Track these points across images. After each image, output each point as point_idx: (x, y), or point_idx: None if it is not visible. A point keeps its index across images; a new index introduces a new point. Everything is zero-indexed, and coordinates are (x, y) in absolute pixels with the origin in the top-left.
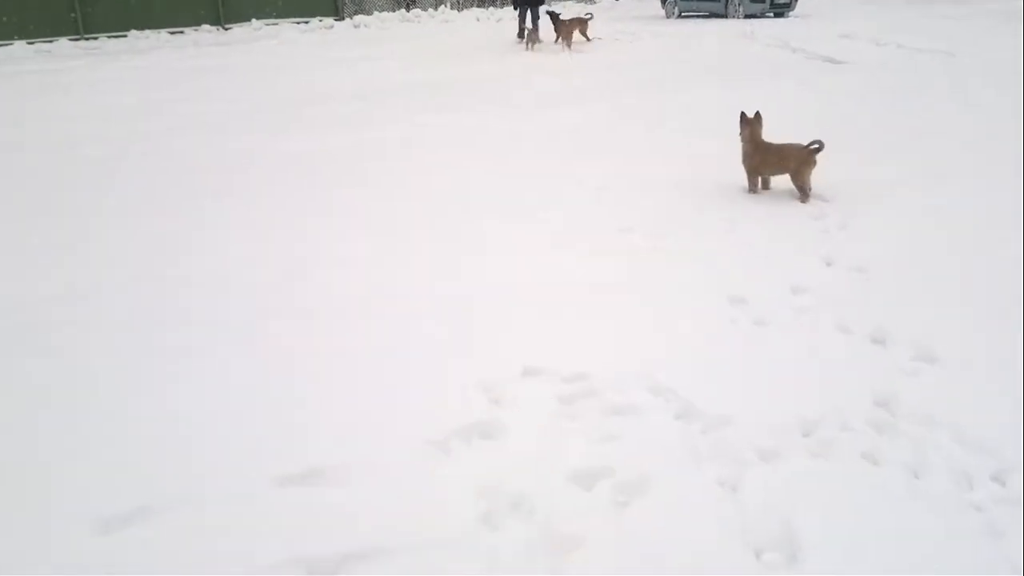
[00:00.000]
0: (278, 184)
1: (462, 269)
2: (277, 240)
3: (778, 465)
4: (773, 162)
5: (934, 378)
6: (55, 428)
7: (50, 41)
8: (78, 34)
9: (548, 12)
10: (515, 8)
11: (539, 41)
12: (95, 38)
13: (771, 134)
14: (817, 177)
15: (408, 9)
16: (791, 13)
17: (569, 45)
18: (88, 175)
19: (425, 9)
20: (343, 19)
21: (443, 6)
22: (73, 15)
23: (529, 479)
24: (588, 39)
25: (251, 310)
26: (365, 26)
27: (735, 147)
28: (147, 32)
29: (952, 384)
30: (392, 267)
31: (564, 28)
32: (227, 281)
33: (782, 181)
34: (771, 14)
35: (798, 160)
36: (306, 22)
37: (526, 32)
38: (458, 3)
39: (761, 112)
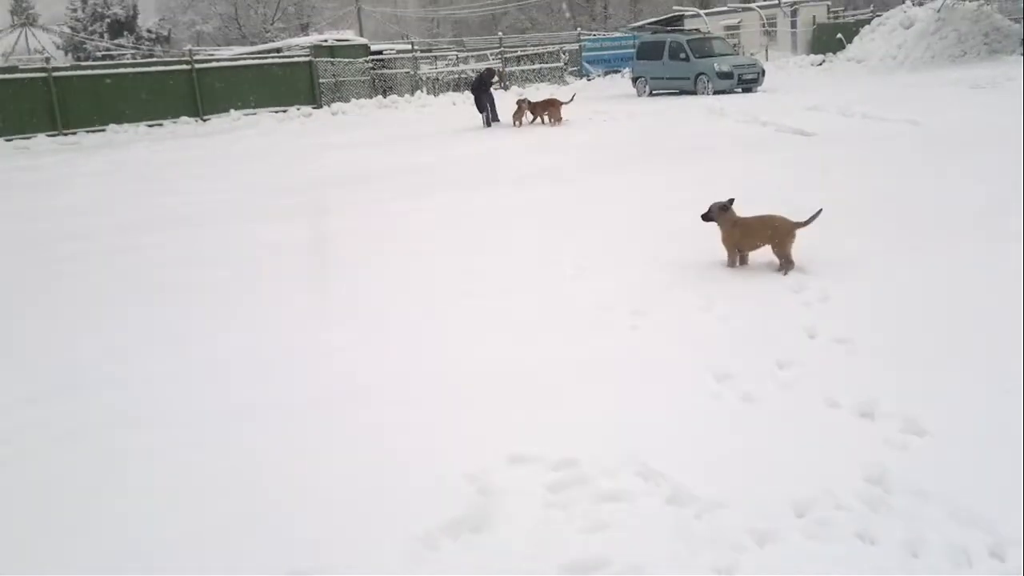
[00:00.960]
0: (254, 275)
1: (445, 352)
2: (253, 331)
3: (774, 549)
4: (755, 236)
5: (924, 451)
6: None
7: (28, 137)
8: (56, 130)
9: (519, 100)
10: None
11: (498, 121)
12: (73, 133)
13: (748, 207)
14: (797, 248)
15: (385, 95)
16: (758, 88)
17: (553, 120)
18: (60, 272)
19: (402, 95)
20: (321, 107)
21: (419, 91)
22: (51, 111)
23: None
24: (560, 120)
25: (226, 405)
26: (343, 113)
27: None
28: (125, 125)
29: (942, 457)
30: (373, 354)
31: (538, 108)
32: (198, 377)
33: (759, 255)
34: (739, 90)
35: (780, 232)
36: (284, 111)
37: (483, 117)
38: (434, 88)
39: (733, 198)
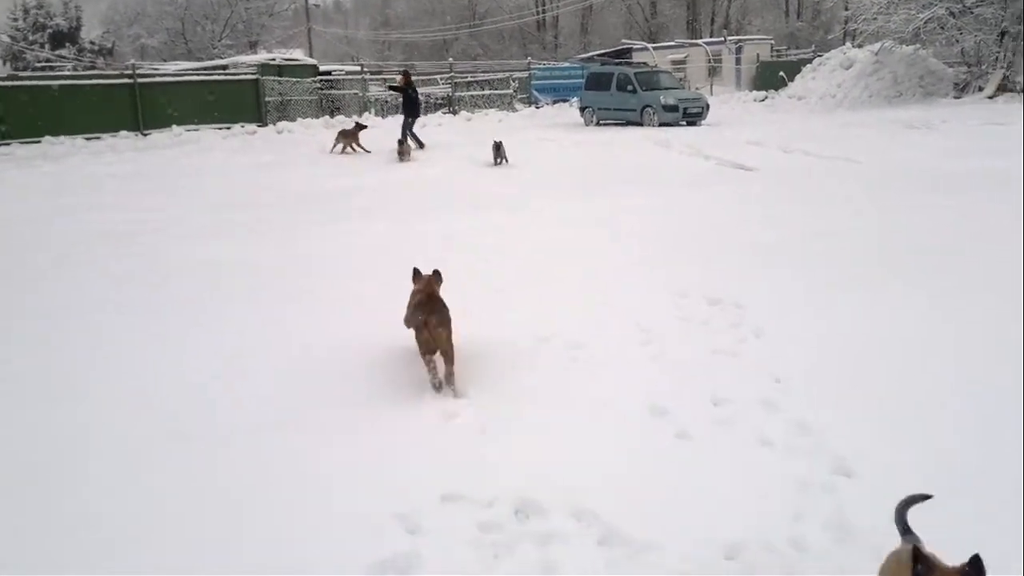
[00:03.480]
0: (191, 298)
1: (376, 388)
2: (180, 360)
3: None
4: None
5: (852, 492)
6: None
7: None
8: None
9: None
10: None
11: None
12: (7, 144)
13: (693, 235)
14: (736, 283)
15: (332, 115)
16: (703, 121)
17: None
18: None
19: (349, 115)
20: (266, 125)
21: (367, 112)
22: None
23: None
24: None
25: (149, 432)
26: (288, 131)
27: (660, 251)
28: (62, 138)
29: (869, 497)
30: (304, 389)
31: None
32: (121, 401)
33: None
34: (684, 123)
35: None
36: (228, 128)
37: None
38: (382, 110)
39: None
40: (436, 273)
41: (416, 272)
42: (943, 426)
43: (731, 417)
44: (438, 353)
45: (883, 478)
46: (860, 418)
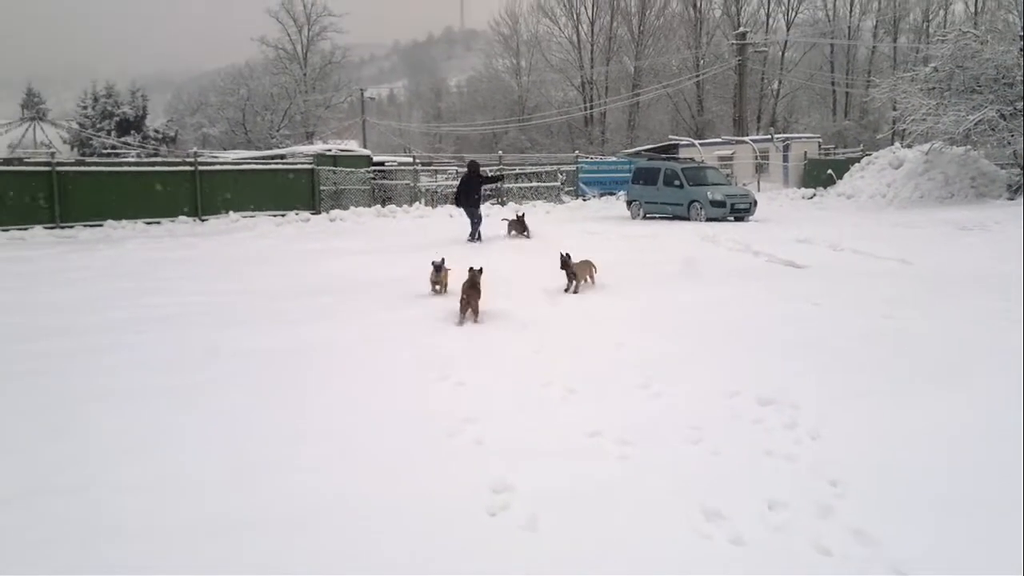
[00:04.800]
0: (239, 384)
1: (421, 471)
2: (229, 443)
3: None
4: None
5: None
6: None
7: (25, 228)
8: (54, 222)
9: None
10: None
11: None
12: (71, 226)
13: (743, 332)
14: (790, 382)
15: (384, 205)
16: (750, 218)
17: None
18: (37, 371)
19: (400, 205)
20: (319, 213)
21: (417, 203)
22: (51, 204)
23: None
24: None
25: (195, 519)
26: (340, 219)
27: (708, 348)
28: (123, 222)
29: None
30: (349, 471)
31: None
32: (166, 488)
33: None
34: (731, 218)
35: None
36: (283, 215)
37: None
38: (432, 200)
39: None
40: (480, 270)
41: (470, 270)
42: (1009, 536)
43: (787, 523)
44: (469, 312)
45: None
46: (921, 526)
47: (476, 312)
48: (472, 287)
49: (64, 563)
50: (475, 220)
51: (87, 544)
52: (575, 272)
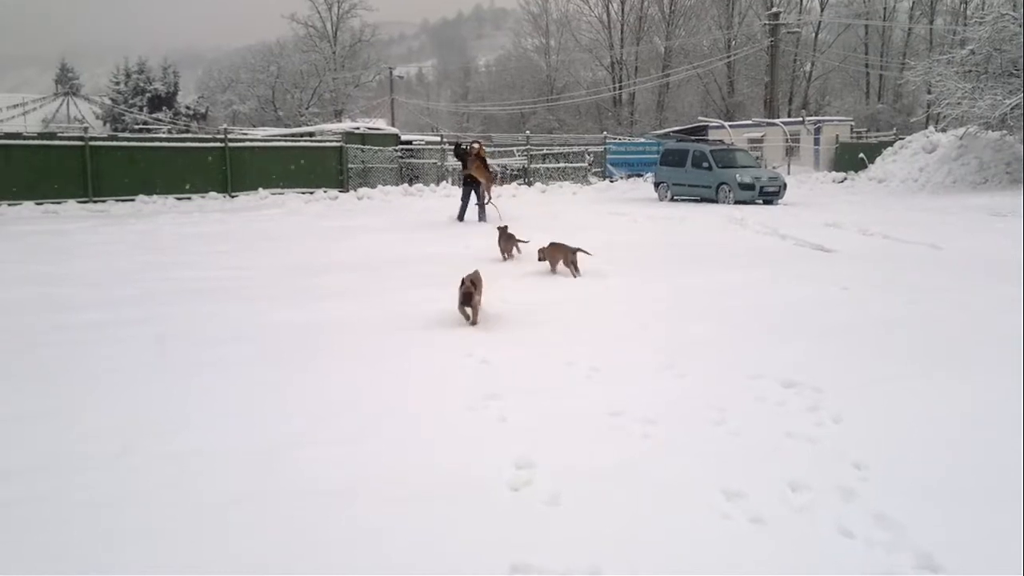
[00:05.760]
0: (270, 357)
1: (444, 446)
2: (258, 417)
3: None
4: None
5: None
6: None
7: (58, 202)
8: (87, 196)
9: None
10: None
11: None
12: (103, 201)
13: (768, 314)
14: (815, 365)
15: (411, 184)
16: (779, 201)
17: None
18: (73, 341)
19: (427, 184)
20: (347, 191)
21: (444, 182)
22: (83, 178)
23: None
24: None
25: (223, 492)
26: (368, 198)
27: (733, 330)
28: (154, 197)
29: None
30: (373, 445)
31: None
32: (193, 463)
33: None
34: (760, 201)
35: None
36: (311, 192)
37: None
38: (458, 179)
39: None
40: (476, 273)
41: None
42: None
43: (809, 504)
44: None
45: (973, 572)
46: (946, 513)
47: (477, 308)
48: (472, 283)
49: (99, 530)
50: (463, 201)
51: (122, 513)
52: (546, 257)
